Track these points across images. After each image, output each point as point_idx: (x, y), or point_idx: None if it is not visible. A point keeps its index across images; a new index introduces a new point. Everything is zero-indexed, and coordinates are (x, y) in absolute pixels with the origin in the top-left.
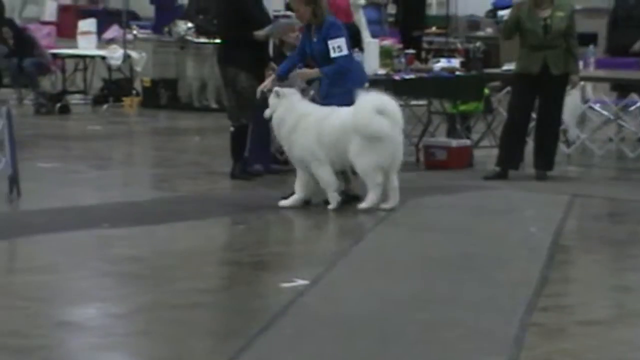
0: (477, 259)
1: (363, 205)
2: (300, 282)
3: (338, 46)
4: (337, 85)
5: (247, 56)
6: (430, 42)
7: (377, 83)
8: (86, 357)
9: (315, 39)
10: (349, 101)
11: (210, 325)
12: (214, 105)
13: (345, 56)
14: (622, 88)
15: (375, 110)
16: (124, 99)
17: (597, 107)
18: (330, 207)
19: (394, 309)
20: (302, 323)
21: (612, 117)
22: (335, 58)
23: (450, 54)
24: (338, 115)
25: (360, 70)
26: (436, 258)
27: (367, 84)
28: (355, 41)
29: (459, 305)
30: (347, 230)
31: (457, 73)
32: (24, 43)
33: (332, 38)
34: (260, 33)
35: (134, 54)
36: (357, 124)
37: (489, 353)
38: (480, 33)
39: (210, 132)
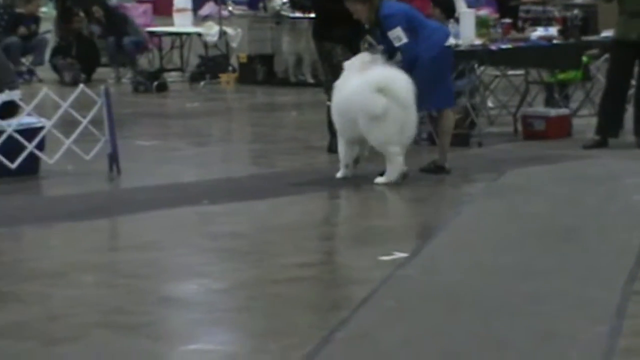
0: (578, 228)
1: (380, 179)
2: (400, 254)
3: (397, 36)
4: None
5: (342, 30)
6: (527, 11)
7: (474, 53)
8: (190, 332)
9: (380, 36)
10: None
11: (311, 299)
12: (311, 80)
13: (406, 44)
14: None
15: (376, 88)
16: (220, 75)
17: None
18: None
19: (496, 281)
20: (403, 296)
21: None
22: (399, 48)
23: (548, 22)
24: (349, 85)
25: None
26: (537, 229)
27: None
28: (449, 11)
29: (561, 275)
30: (445, 202)
31: (555, 41)
32: (117, 21)
33: (389, 30)
34: None
35: (229, 30)
36: (356, 103)
37: (592, 323)
38: (578, 0)
39: (307, 107)
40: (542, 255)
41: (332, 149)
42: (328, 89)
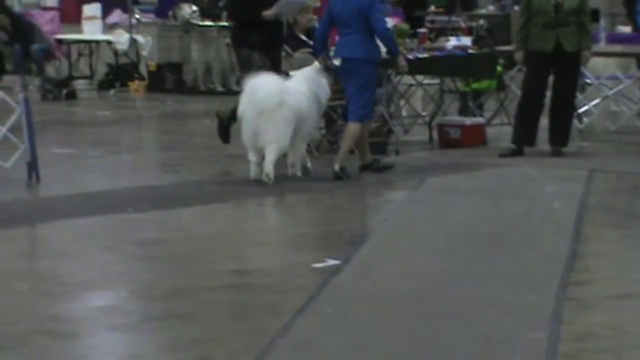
0: (505, 235)
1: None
2: (332, 262)
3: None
4: None
5: (260, 37)
6: (432, 22)
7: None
8: (129, 340)
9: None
10: None
11: (249, 306)
12: (220, 89)
13: None
14: None
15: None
16: (130, 83)
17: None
18: None
19: (431, 287)
20: (340, 302)
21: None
22: None
23: (453, 32)
24: None
25: None
26: (464, 235)
27: None
28: None
29: (494, 281)
30: (370, 209)
31: (470, 51)
32: (23, 29)
33: None
34: (268, 13)
35: (139, 38)
36: None
37: (531, 329)
38: (482, 11)
39: None
40: (473, 261)
41: None
42: None
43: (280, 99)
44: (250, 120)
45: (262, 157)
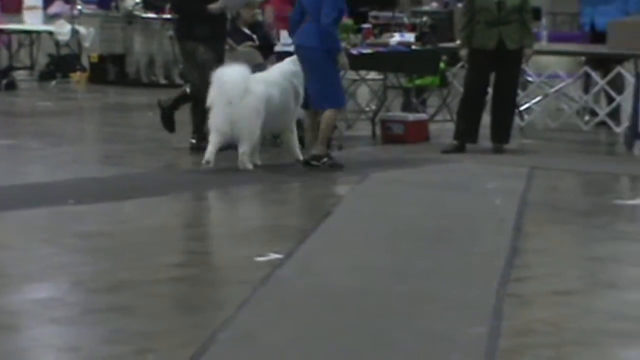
0: (447, 231)
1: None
2: (275, 256)
3: None
4: None
5: (204, 30)
6: (376, 17)
7: None
8: (71, 333)
9: None
10: None
11: (191, 300)
12: (163, 81)
13: None
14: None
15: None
16: (71, 74)
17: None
18: None
19: (373, 282)
20: (282, 296)
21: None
22: None
23: (397, 28)
24: None
25: None
26: (407, 231)
27: None
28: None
29: (436, 277)
30: (313, 204)
31: (414, 47)
32: None
33: None
34: (213, 7)
35: (81, 29)
36: None
37: (472, 324)
38: (426, 8)
39: None
40: (416, 257)
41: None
42: (193, 87)
43: (244, 87)
44: (219, 110)
45: (227, 144)
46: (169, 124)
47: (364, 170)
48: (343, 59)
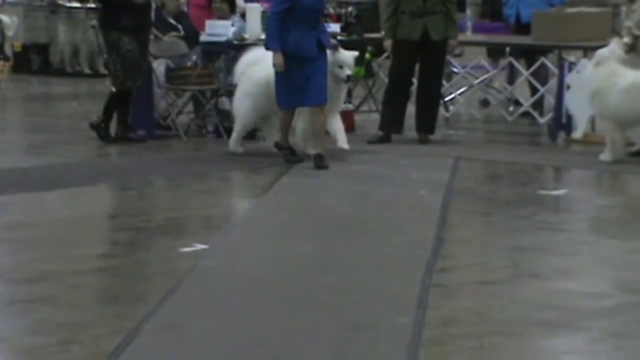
0: (372, 221)
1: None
2: (200, 246)
3: None
4: None
5: (129, 20)
6: None
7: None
8: None
9: None
10: None
11: (116, 290)
12: (87, 71)
13: None
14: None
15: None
16: None
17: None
18: None
19: (298, 272)
20: (208, 287)
21: (483, 81)
22: None
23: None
24: None
25: None
26: (332, 221)
27: None
28: (233, 6)
29: (361, 267)
30: (238, 194)
31: (339, 38)
32: None
33: None
34: None
35: (4, 17)
36: None
37: (397, 314)
38: None
39: (85, 97)
40: (341, 247)
41: (97, 128)
42: (116, 78)
43: (242, 70)
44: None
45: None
46: (107, 137)
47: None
48: (274, 59)
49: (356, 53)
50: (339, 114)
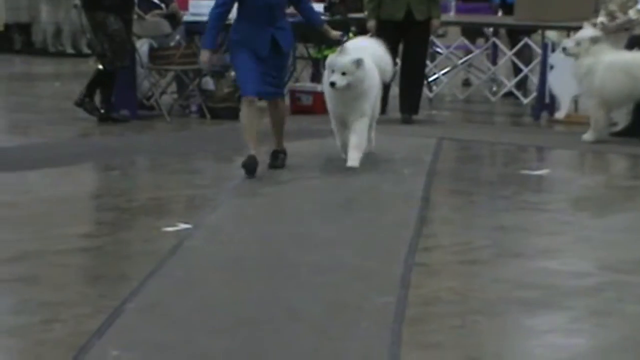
0: (356, 201)
1: None
2: (183, 226)
3: None
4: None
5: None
6: None
7: None
8: None
9: None
10: None
11: (99, 270)
12: (70, 51)
13: None
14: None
15: None
16: None
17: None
18: None
19: (281, 252)
20: (191, 266)
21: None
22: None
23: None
24: None
25: None
26: (316, 201)
27: None
28: None
29: (344, 247)
30: (221, 175)
31: (322, 18)
32: None
33: None
34: None
35: None
36: None
37: (379, 293)
38: None
39: (68, 77)
40: (324, 227)
41: (83, 104)
42: (105, 58)
43: None
44: None
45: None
46: (94, 109)
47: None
48: (200, 55)
49: (356, 58)
50: (364, 126)
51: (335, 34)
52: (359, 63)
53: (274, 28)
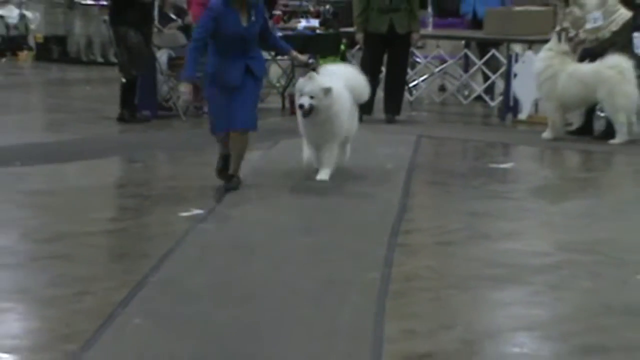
0: (345, 190)
1: None
2: (197, 211)
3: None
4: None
5: (135, 16)
6: (285, 5)
7: None
8: (16, 276)
9: (247, 22)
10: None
11: (123, 249)
12: (100, 60)
13: None
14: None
15: None
16: (19, 53)
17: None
18: None
19: (282, 235)
20: (203, 247)
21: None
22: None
23: (303, 15)
24: None
25: None
26: (311, 189)
27: None
28: None
29: (335, 231)
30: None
31: (318, 31)
32: None
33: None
34: None
35: (28, 13)
36: None
37: (365, 270)
38: None
39: (98, 82)
40: (318, 213)
41: (125, 118)
42: (123, 68)
43: None
44: None
45: None
46: (133, 118)
47: (274, 137)
48: (180, 86)
49: (325, 85)
50: (334, 146)
51: (302, 58)
52: (327, 90)
53: (247, 58)
